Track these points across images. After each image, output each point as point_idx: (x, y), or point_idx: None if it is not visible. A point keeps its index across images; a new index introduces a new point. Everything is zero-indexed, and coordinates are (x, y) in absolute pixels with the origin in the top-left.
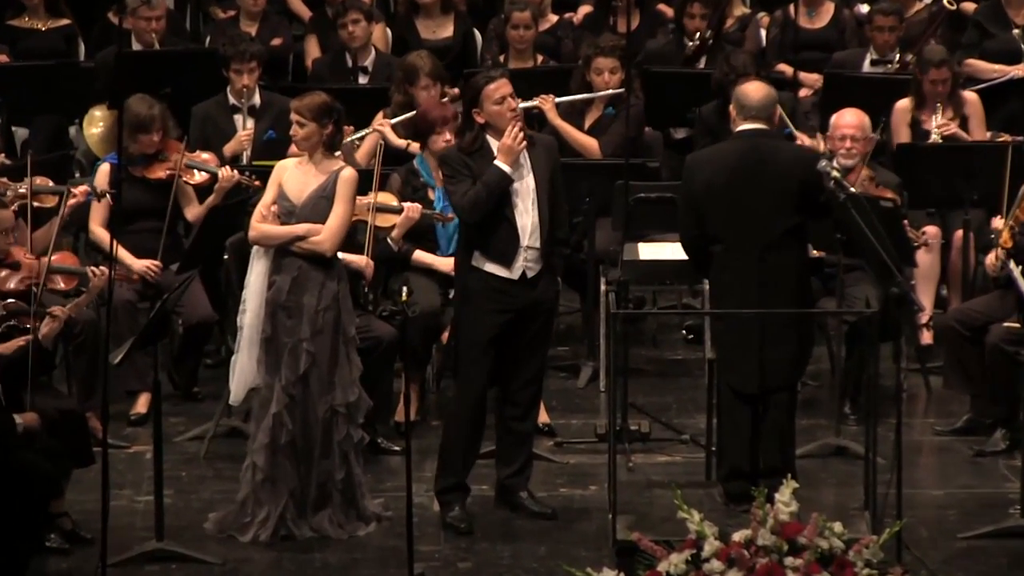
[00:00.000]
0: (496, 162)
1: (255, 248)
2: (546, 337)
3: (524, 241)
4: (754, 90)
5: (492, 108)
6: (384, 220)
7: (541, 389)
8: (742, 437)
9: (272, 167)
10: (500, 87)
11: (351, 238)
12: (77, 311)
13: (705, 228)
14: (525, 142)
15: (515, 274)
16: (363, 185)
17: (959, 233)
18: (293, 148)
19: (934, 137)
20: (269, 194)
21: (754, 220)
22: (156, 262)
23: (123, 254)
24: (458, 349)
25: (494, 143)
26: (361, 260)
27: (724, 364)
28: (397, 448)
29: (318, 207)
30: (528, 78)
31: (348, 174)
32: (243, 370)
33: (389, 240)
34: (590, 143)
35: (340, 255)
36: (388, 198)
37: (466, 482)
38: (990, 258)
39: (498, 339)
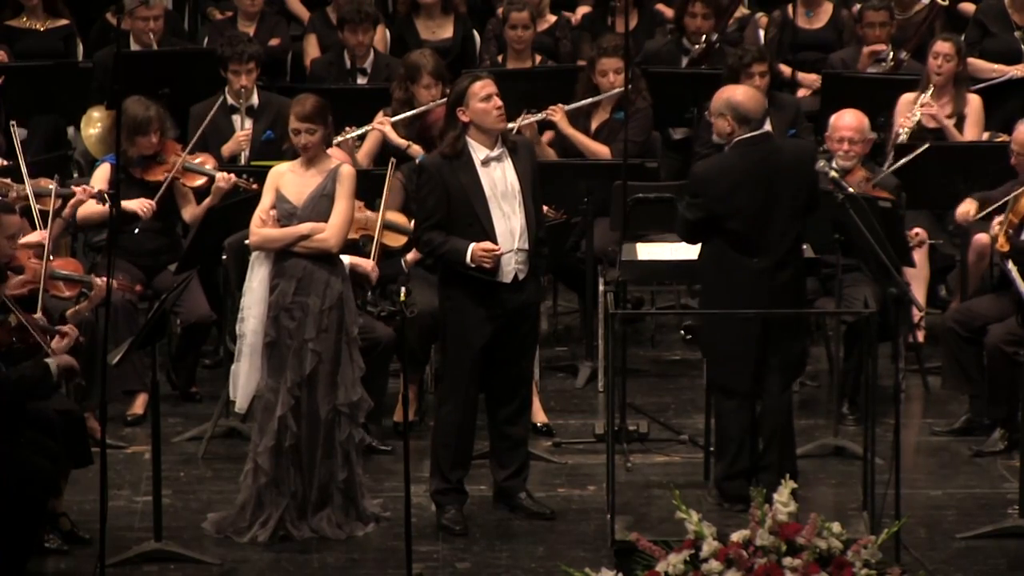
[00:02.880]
0: (468, 254)
1: (254, 255)
2: (534, 339)
3: (514, 244)
4: (748, 97)
5: (478, 105)
6: (393, 239)
7: (531, 391)
8: (741, 437)
9: (271, 167)
10: (486, 85)
11: (357, 251)
12: (77, 317)
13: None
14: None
15: (507, 278)
16: (362, 185)
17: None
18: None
19: (915, 112)
20: (266, 199)
21: (774, 226)
22: (150, 201)
23: (125, 203)
24: (448, 355)
25: (476, 147)
26: (367, 264)
27: (719, 366)
28: (386, 448)
29: (319, 206)
30: (526, 78)
31: (347, 170)
32: (248, 378)
33: (403, 263)
34: (602, 151)
35: (346, 258)
36: (399, 218)
37: (462, 485)
38: (962, 209)
39: (488, 344)
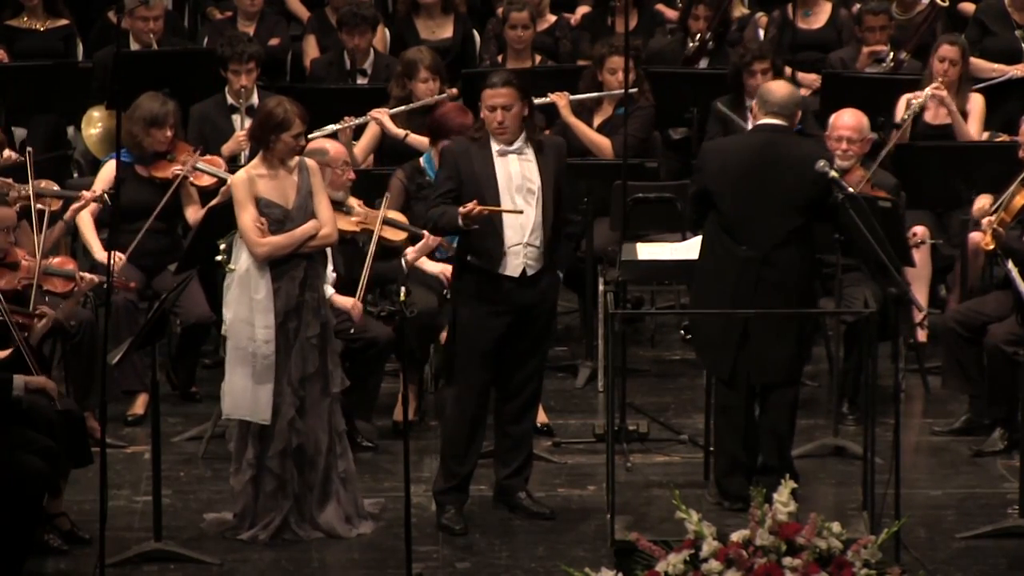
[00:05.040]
0: (458, 216)
1: (247, 267)
2: (546, 337)
3: (524, 238)
4: (779, 87)
5: (483, 111)
6: (393, 235)
7: (540, 389)
8: (738, 433)
9: None
10: (493, 96)
11: (358, 246)
12: (65, 314)
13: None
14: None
15: (515, 271)
16: (364, 184)
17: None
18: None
19: (927, 91)
20: (251, 209)
21: (764, 216)
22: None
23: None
24: (457, 351)
25: (494, 139)
26: (348, 303)
27: (701, 347)
28: (370, 444)
29: (309, 205)
30: (526, 78)
31: (312, 163)
32: (266, 391)
33: (404, 261)
34: (603, 142)
35: (331, 292)
36: (399, 216)
37: (467, 483)
38: (978, 204)
39: (499, 339)
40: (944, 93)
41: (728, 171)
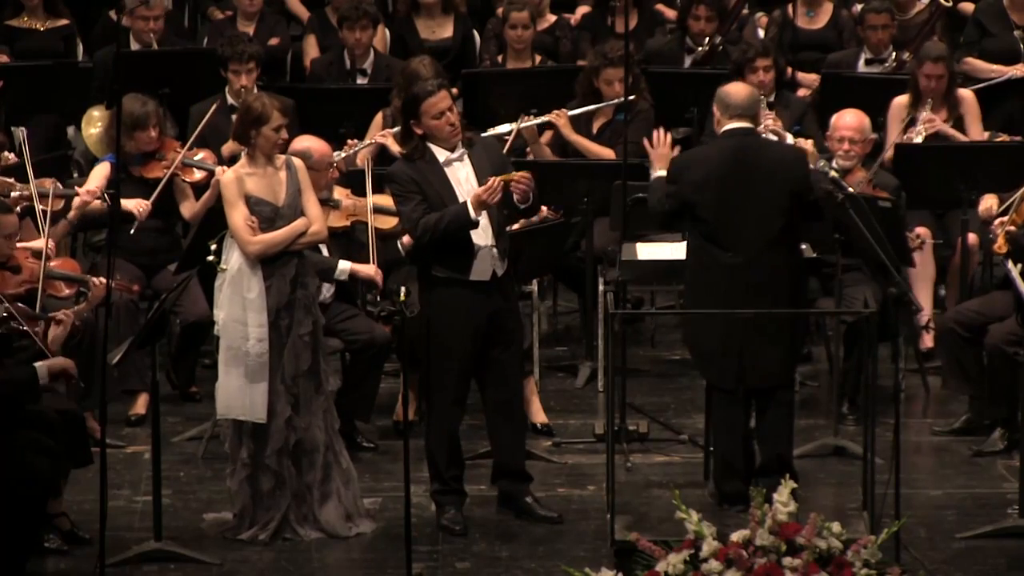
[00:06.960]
0: (469, 206)
1: (239, 266)
2: (520, 339)
3: (489, 240)
4: (738, 89)
5: (431, 123)
6: (384, 222)
7: (522, 388)
8: (735, 436)
9: None
10: (438, 102)
11: (353, 238)
12: (77, 317)
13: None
14: (499, 197)
15: (486, 275)
16: (362, 183)
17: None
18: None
19: (919, 129)
20: (242, 208)
21: (746, 221)
22: (145, 201)
23: (122, 203)
24: (434, 363)
25: (436, 150)
26: (370, 269)
27: (702, 360)
28: (370, 444)
29: (299, 202)
30: (526, 78)
31: (299, 161)
32: (261, 389)
33: (400, 245)
34: (606, 154)
35: (351, 265)
36: (388, 200)
37: (460, 485)
38: (984, 205)
39: (476, 346)
40: (937, 125)
41: (709, 180)
